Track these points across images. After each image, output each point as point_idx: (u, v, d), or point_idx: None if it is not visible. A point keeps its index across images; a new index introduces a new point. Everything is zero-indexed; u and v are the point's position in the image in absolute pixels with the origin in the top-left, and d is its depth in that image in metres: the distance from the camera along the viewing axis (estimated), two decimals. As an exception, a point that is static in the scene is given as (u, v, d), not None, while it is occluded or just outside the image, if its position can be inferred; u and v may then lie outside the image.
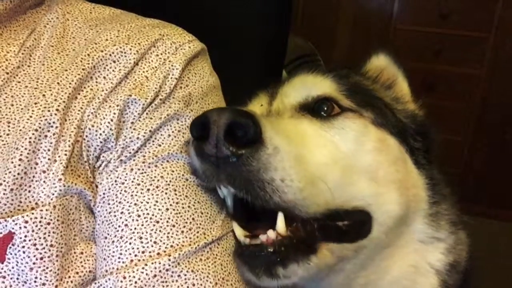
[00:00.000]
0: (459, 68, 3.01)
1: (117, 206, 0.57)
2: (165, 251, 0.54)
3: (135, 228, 0.56)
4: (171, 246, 0.55)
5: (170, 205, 0.57)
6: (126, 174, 0.58)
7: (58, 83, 0.60)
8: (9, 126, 0.58)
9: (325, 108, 0.70)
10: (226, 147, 0.55)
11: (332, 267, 0.64)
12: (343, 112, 0.71)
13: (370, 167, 0.67)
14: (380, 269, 0.70)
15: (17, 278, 0.53)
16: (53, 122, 0.57)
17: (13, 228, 0.53)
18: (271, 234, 0.58)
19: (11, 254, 0.53)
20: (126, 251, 0.55)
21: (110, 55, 0.64)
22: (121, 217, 0.57)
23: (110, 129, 0.59)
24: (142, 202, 0.57)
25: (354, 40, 3.11)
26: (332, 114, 0.70)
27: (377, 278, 0.70)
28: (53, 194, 0.55)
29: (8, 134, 0.57)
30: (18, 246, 0.52)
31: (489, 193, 3.07)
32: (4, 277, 0.53)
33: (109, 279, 0.53)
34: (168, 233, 0.56)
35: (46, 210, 0.54)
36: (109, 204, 0.58)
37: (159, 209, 0.57)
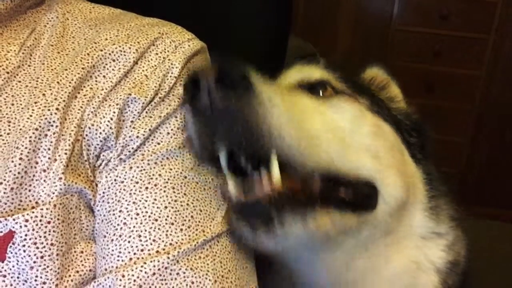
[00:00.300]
0: (459, 69, 3.01)
1: (116, 204, 0.57)
2: (164, 249, 0.54)
3: (134, 227, 0.56)
4: (170, 244, 0.55)
5: (169, 203, 0.57)
6: (125, 172, 0.59)
7: (58, 82, 0.61)
8: (9, 125, 0.58)
9: (321, 91, 0.71)
10: (219, 94, 0.55)
11: (333, 238, 0.64)
12: (339, 94, 0.72)
13: (369, 147, 0.68)
14: (380, 256, 0.70)
15: (18, 277, 0.53)
16: (53, 121, 0.57)
17: (13, 227, 0.53)
18: (265, 182, 0.58)
19: (11, 253, 0.53)
20: (125, 249, 0.55)
21: (110, 54, 0.64)
22: (120, 216, 0.57)
23: (110, 128, 0.59)
24: (140, 201, 0.57)
25: (354, 41, 3.11)
26: (328, 95, 0.71)
27: (377, 266, 0.70)
28: (53, 193, 0.55)
29: (8, 133, 0.58)
30: (18, 245, 0.53)
31: (489, 193, 3.07)
32: (5, 276, 0.53)
33: (108, 277, 0.53)
34: (167, 231, 0.56)
35: (47, 209, 0.54)
36: (108, 202, 0.58)
37: (157, 207, 0.57)
